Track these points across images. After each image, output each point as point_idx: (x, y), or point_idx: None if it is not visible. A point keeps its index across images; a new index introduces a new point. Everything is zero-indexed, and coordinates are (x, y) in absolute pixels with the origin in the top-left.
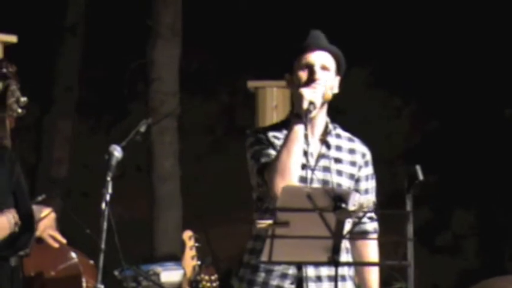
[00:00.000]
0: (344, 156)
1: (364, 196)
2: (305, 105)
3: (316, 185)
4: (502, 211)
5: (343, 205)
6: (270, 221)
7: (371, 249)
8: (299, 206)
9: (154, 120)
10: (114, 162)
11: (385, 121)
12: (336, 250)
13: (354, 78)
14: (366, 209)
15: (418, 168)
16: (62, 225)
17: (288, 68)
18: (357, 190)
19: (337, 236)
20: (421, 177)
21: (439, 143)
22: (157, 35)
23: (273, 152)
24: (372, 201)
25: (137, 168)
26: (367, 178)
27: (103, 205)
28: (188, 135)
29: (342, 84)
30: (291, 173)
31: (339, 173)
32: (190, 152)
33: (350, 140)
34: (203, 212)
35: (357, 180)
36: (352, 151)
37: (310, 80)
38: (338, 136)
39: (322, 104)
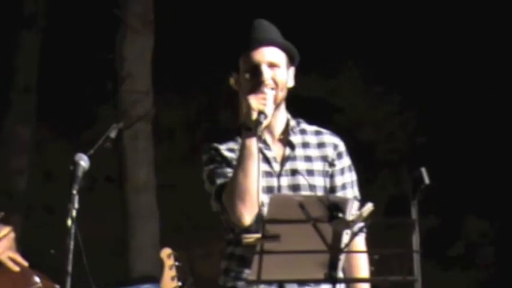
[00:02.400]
0: (313, 152)
1: (343, 192)
2: (254, 116)
3: (285, 191)
4: None
5: (340, 214)
6: (257, 235)
7: (359, 248)
8: (290, 217)
9: (126, 124)
10: (80, 173)
11: (385, 120)
12: (333, 265)
13: (351, 75)
14: (365, 218)
15: (423, 171)
16: (22, 245)
17: (234, 66)
18: (333, 187)
19: (334, 249)
20: (427, 181)
21: (446, 143)
22: (127, 26)
23: (228, 170)
24: (371, 207)
25: (107, 179)
26: (342, 171)
27: (69, 221)
28: (164, 139)
29: (298, 76)
30: (251, 195)
31: (310, 172)
32: (167, 158)
33: (318, 133)
34: (183, 227)
35: (332, 176)
36: (321, 145)
37: (258, 83)
38: (303, 132)
39: (279, 103)
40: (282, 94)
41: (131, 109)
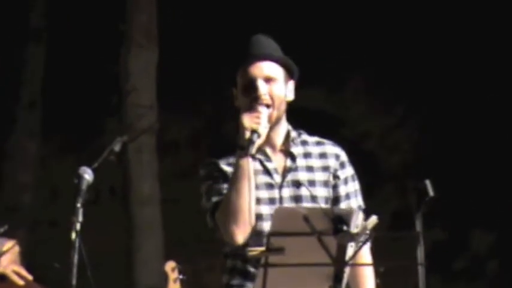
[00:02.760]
0: (314, 162)
1: (347, 202)
2: (247, 135)
3: (287, 203)
4: None
5: (345, 227)
6: (262, 248)
7: (364, 257)
8: (295, 229)
9: (130, 137)
10: (84, 186)
11: (390, 132)
12: (338, 278)
13: (355, 87)
14: (370, 231)
15: (428, 183)
16: (27, 259)
17: (233, 82)
18: (336, 197)
19: (338, 262)
20: (431, 193)
21: (451, 156)
22: (131, 41)
23: (225, 186)
24: (375, 219)
25: (112, 192)
26: (346, 181)
27: (73, 235)
28: (169, 153)
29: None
30: (244, 215)
31: (312, 183)
32: (171, 171)
33: (319, 143)
34: (187, 240)
35: (335, 186)
36: (323, 155)
37: (254, 99)
38: (304, 143)
39: (278, 117)
40: (281, 108)
41: (136, 122)
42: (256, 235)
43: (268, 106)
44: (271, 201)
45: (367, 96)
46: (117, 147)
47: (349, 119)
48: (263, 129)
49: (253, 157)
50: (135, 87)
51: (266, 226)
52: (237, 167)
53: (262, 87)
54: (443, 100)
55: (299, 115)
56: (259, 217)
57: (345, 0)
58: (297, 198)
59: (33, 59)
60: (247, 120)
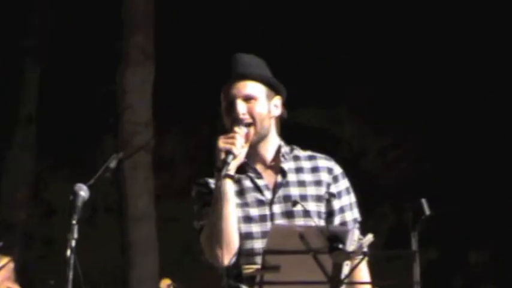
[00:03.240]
0: (306, 177)
1: (341, 216)
2: (221, 156)
3: (279, 219)
4: None
5: (340, 245)
6: (257, 266)
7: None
8: (290, 247)
9: (126, 154)
10: (80, 203)
11: (387, 150)
12: None
13: (353, 104)
14: (366, 249)
15: (424, 202)
16: (21, 276)
17: (219, 101)
18: (331, 212)
19: (334, 280)
20: (427, 212)
21: (448, 174)
22: (128, 58)
23: None
24: (371, 238)
25: (107, 209)
26: (340, 195)
27: (68, 252)
28: (164, 170)
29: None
30: (226, 237)
31: (303, 198)
32: (166, 189)
33: (311, 158)
34: (183, 257)
35: (328, 201)
36: (315, 169)
37: (233, 119)
38: (296, 158)
39: (264, 134)
40: (264, 125)
41: (131, 139)
42: (247, 255)
43: (250, 125)
44: (262, 218)
45: (363, 114)
46: (113, 164)
47: (346, 137)
48: (238, 150)
49: (232, 177)
50: (131, 104)
51: (257, 245)
52: (216, 189)
53: (241, 107)
54: (441, 119)
55: (296, 132)
56: (249, 236)
57: (342, 16)
58: (288, 214)
59: (30, 77)
60: (221, 142)
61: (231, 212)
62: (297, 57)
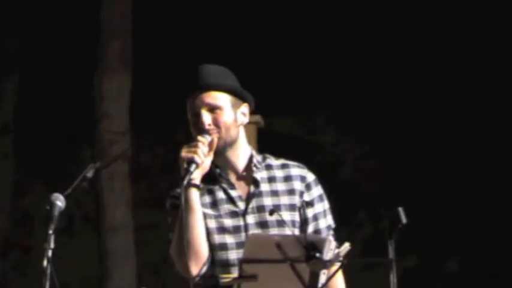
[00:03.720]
0: (279, 186)
1: (315, 223)
2: (183, 165)
3: (253, 229)
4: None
5: (318, 254)
6: (234, 275)
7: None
8: (268, 256)
9: (103, 164)
10: (56, 212)
11: (363, 159)
12: None
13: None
14: (343, 257)
15: (400, 210)
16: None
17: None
18: (305, 219)
19: None
20: (404, 220)
21: (424, 183)
22: (105, 66)
23: None
24: (348, 246)
25: (84, 219)
26: (312, 203)
27: (45, 262)
28: (142, 179)
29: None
30: (194, 247)
31: (277, 207)
32: (144, 198)
33: (284, 166)
34: (160, 267)
35: (300, 209)
36: (287, 178)
37: (197, 130)
38: (269, 167)
39: (232, 142)
40: (231, 134)
41: (108, 148)
42: (222, 266)
43: (212, 134)
44: (236, 229)
45: (340, 123)
46: (89, 174)
47: (322, 145)
48: (201, 158)
49: (198, 187)
50: (108, 112)
51: (232, 255)
52: (181, 200)
53: (206, 118)
54: (417, 128)
55: (272, 141)
56: (223, 247)
57: (320, 25)
58: (262, 224)
59: (7, 86)
60: (183, 151)
61: (197, 221)
62: (276, 65)
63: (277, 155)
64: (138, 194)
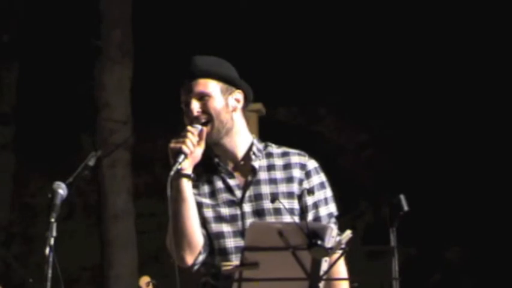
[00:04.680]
0: (278, 174)
1: (315, 211)
2: (172, 156)
3: (250, 218)
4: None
5: (319, 242)
6: (236, 262)
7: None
8: (269, 244)
9: (105, 152)
10: (58, 201)
11: (365, 147)
12: None
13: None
14: (345, 245)
15: (402, 198)
16: (1, 275)
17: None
18: (305, 207)
19: (313, 277)
20: (406, 208)
21: (426, 170)
22: (105, 56)
23: None
24: (350, 234)
25: (86, 207)
26: (312, 190)
27: (47, 250)
28: (143, 168)
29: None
30: (187, 237)
31: (275, 195)
32: (145, 186)
33: (284, 154)
34: (162, 255)
35: (300, 197)
36: (287, 166)
37: (189, 119)
38: (269, 155)
39: (227, 130)
40: (224, 120)
41: (109, 137)
42: (220, 254)
43: (207, 123)
44: (233, 218)
45: (342, 112)
46: (91, 162)
47: (324, 134)
48: (190, 148)
49: (189, 176)
50: (109, 102)
51: (229, 244)
52: (171, 189)
53: (195, 106)
54: (419, 115)
55: (274, 130)
56: (220, 235)
57: (320, 18)
58: (259, 212)
59: (7, 75)
60: (172, 142)
61: (189, 211)
62: (277, 55)
63: (279, 144)
64: (139, 182)
